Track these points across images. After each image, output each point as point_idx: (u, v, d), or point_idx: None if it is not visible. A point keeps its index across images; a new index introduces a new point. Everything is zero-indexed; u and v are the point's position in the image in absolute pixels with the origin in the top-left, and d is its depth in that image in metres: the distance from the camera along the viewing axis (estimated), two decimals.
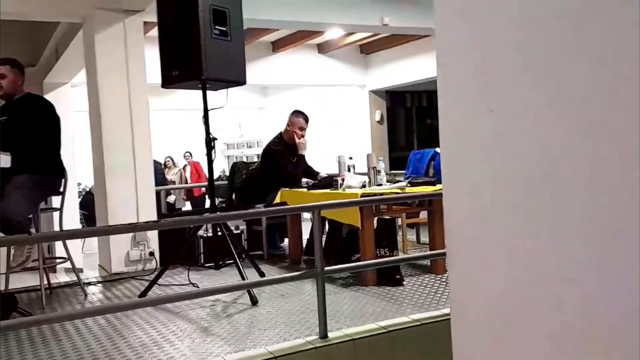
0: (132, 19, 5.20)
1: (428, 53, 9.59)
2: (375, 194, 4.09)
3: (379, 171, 4.36)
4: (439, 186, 4.27)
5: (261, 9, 5.48)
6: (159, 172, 12.08)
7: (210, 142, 4.04)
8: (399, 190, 4.12)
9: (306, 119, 5.34)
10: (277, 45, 9.97)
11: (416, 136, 12.57)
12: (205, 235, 5.17)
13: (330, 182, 4.59)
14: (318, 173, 5.53)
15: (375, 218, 4.09)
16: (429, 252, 3.99)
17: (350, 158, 4.76)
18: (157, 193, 6.70)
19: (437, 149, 5.33)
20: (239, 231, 5.34)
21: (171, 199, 11.87)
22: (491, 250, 0.99)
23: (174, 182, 12.45)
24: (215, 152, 4.08)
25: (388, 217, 4.15)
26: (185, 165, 13.34)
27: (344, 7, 5.77)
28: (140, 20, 5.25)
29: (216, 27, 3.88)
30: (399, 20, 6.02)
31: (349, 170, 4.62)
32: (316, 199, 4.42)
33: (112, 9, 5.07)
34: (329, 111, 12.23)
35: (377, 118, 11.01)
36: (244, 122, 15.95)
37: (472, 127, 1.03)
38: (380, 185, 4.28)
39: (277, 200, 5.11)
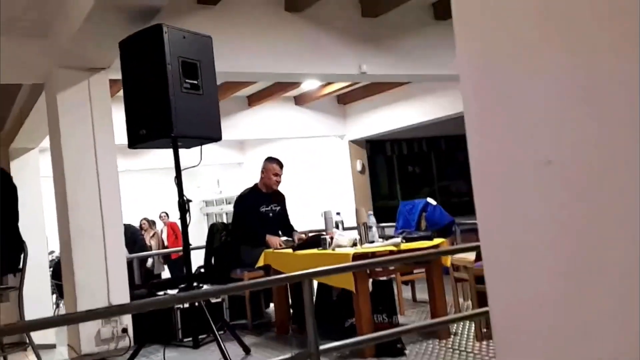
0: (96, 77, 4.88)
1: (406, 101, 9.45)
2: (369, 254, 3.72)
3: (370, 227, 4.01)
4: (436, 240, 3.93)
5: (236, 61, 5.21)
6: (139, 236, 11.60)
7: (184, 205, 3.66)
8: (393, 248, 3.76)
9: (280, 165, 5.11)
10: (253, 99, 9.73)
11: (399, 185, 12.31)
12: (182, 307, 4.73)
13: (317, 240, 4.22)
14: (295, 231, 5.19)
15: (370, 280, 3.71)
16: (433, 321, 3.59)
17: (338, 213, 4.41)
18: (130, 261, 6.25)
19: (429, 199, 5.02)
20: (219, 299, 4.91)
21: (149, 264, 11.33)
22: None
23: (151, 246, 11.95)
24: (190, 214, 3.71)
25: (384, 279, 3.77)
26: (161, 227, 12.85)
27: (321, 56, 5.54)
28: (105, 78, 4.93)
29: (186, 80, 3.58)
30: (377, 68, 5.80)
31: (337, 227, 4.26)
32: (304, 262, 4.03)
33: (74, 67, 4.75)
34: (309, 163, 11.96)
35: (359, 168, 10.74)
36: (222, 179, 15.59)
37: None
38: (373, 242, 3.92)
39: (260, 263, 4.71)
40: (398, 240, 3.77)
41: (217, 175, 15.08)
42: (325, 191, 11.27)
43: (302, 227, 7.33)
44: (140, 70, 3.67)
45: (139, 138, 3.62)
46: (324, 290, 4.54)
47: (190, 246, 7.64)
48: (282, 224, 5.14)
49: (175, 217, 12.31)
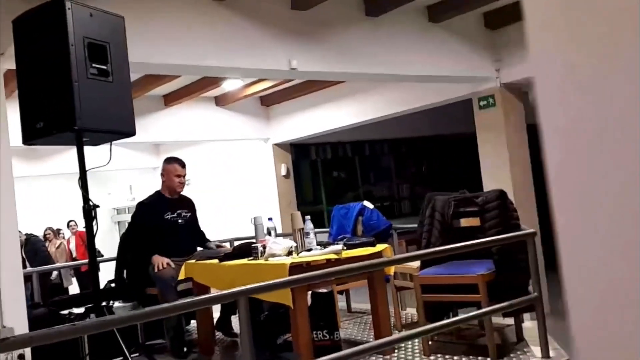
0: None
1: (332, 103, 9.16)
2: (305, 264, 3.31)
3: (307, 233, 3.61)
4: (379, 246, 3.58)
5: (154, 52, 4.67)
6: (41, 247, 10.60)
7: (89, 212, 3.12)
8: (334, 256, 3.38)
9: (181, 164, 4.61)
10: (170, 99, 9.11)
11: (324, 190, 12.02)
12: None
13: (246, 250, 3.77)
14: (208, 240, 4.74)
15: (309, 292, 3.31)
16: (387, 339, 3.20)
17: (270, 219, 3.99)
18: (29, 276, 5.54)
19: (365, 203, 4.69)
20: None
21: (54, 276, 10.37)
22: None
23: (56, 258, 10.98)
24: (97, 222, 3.16)
25: (324, 291, 3.38)
26: (69, 236, 11.84)
27: (248, 49, 5.09)
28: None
29: (93, 65, 3.05)
30: (308, 64, 5.43)
31: (269, 233, 3.83)
32: (233, 274, 3.59)
33: None
34: (231, 167, 11.43)
35: (283, 172, 10.34)
36: (135, 184, 14.70)
37: None
38: (310, 250, 3.52)
39: (181, 276, 4.20)
40: (339, 247, 3.39)
41: (130, 181, 14.19)
42: (248, 196, 10.78)
43: (224, 234, 6.84)
44: (38, 53, 3.10)
45: (35, 132, 3.04)
46: (253, 304, 4.08)
47: (100, 257, 6.97)
48: (194, 232, 4.65)
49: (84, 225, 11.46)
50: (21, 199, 12.57)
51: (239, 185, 11.13)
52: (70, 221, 12.10)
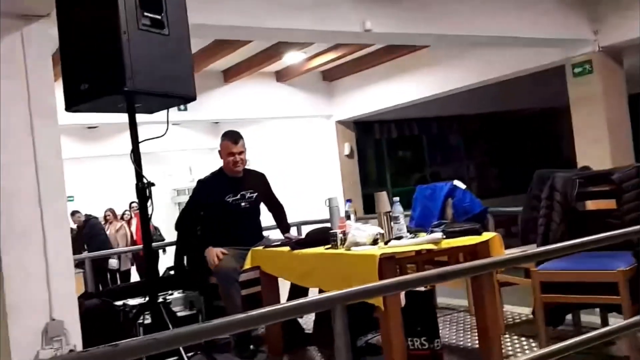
0: (33, 28, 3.76)
1: (397, 77, 8.48)
2: (397, 255, 2.73)
3: (395, 218, 3.01)
4: (485, 235, 2.95)
5: (214, 12, 4.15)
6: (99, 230, 10.42)
7: (144, 190, 2.62)
8: (432, 246, 2.78)
9: (233, 140, 3.98)
10: (229, 75, 8.65)
11: (388, 171, 11.37)
12: (143, 322, 3.68)
13: (322, 237, 3.21)
14: (288, 229, 4.23)
15: (403, 292, 2.73)
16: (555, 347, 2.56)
17: (349, 201, 3.41)
18: (80, 263, 5.18)
19: (456, 182, 4.04)
20: (194, 311, 3.89)
21: (113, 263, 10.15)
22: None
23: (118, 242, 10.77)
24: (152, 202, 2.67)
25: (421, 289, 2.79)
26: (131, 218, 11.60)
27: (314, 8, 4.51)
28: (45, 28, 3.82)
29: (145, 14, 2.53)
30: (384, 25, 4.79)
31: (348, 218, 3.26)
32: (308, 265, 3.04)
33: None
34: (292, 147, 10.93)
35: (347, 152, 9.76)
36: (195, 165, 14.43)
37: None
38: (401, 238, 2.92)
39: (247, 264, 3.70)
40: (438, 235, 2.78)
41: (190, 162, 13.93)
42: (310, 177, 10.26)
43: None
44: (81, 3, 2.60)
45: (79, 96, 2.56)
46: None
47: (159, 242, 6.57)
48: (258, 215, 4.12)
49: None
50: (82, 180, 12.53)
51: (300, 166, 10.63)
52: (132, 202, 11.90)
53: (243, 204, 4.00)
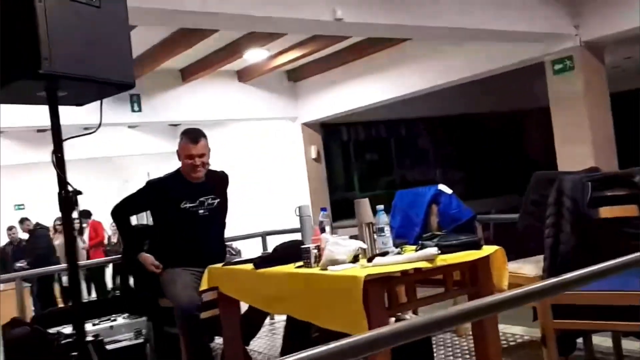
0: None
1: (365, 76, 8.06)
2: (386, 276, 2.26)
3: (380, 229, 2.54)
4: (486, 249, 2.50)
5: None
6: (42, 242, 9.69)
7: (69, 199, 2.08)
8: (427, 265, 2.31)
9: (193, 139, 3.41)
10: (188, 73, 8.09)
11: (356, 175, 10.94)
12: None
13: (293, 250, 2.72)
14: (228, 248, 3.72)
15: (393, 319, 2.26)
16: None
17: (324, 209, 2.92)
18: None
19: (441, 187, 3.60)
20: (140, 339, 3.34)
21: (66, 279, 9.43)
22: None
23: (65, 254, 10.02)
24: (77, 211, 2.13)
25: (410, 317, 2.33)
26: (81, 228, 10.85)
27: None
28: None
29: None
30: (356, 14, 4.34)
31: (323, 230, 2.77)
32: (277, 288, 2.56)
33: None
34: (257, 151, 10.39)
35: (313, 155, 9.28)
36: (153, 171, 13.74)
37: None
38: (386, 254, 2.45)
39: (204, 285, 3.18)
40: (433, 250, 2.32)
41: (148, 167, 13.23)
42: (276, 183, 9.76)
43: (250, 227, 5.78)
44: None
45: None
46: (298, 328, 3.06)
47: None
48: (218, 226, 3.57)
49: (100, 214, 10.51)
50: (33, 187, 11.70)
51: (265, 170, 10.11)
52: (83, 211, 11.16)
53: (201, 211, 3.44)
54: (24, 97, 2.17)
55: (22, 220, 10.29)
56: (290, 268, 2.62)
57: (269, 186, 9.88)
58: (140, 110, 8.03)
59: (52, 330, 3.38)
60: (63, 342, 3.21)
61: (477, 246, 2.46)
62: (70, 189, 2.11)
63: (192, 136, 3.44)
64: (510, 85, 9.21)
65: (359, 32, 5.61)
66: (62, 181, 2.10)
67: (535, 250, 2.92)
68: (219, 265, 3.13)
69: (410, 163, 11.96)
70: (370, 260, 2.43)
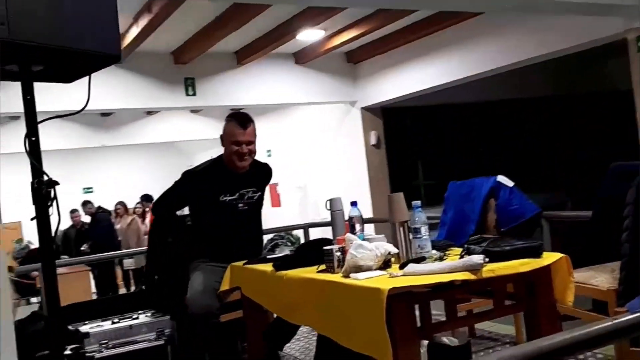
0: None
1: (431, 55, 7.48)
2: (413, 290, 1.84)
3: (416, 230, 2.12)
4: (547, 256, 2.03)
5: None
6: (102, 226, 9.78)
7: (41, 190, 1.79)
8: (469, 276, 1.88)
9: (242, 123, 3.07)
10: (243, 56, 7.81)
11: (421, 163, 10.40)
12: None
13: (316, 252, 2.34)
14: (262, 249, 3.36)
15: (425, 342, 1.85)
16: None
17: (354, 204, 2.52)
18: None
19: (500, 178, 3.11)
20: (161, 341, 3.07)
21: (129, 263, 9.47)
22: None
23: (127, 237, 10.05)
24: (57, 205, 1.83)
25: (450, 341, 1.90)
26: (144, 212, 10.89)
27: None
28: None
29: None
30: None
31: (353, 228, 2.38)
32: (295, 295, 2.20)
33: None
34: (313, 136, 10.06)
35: (373, 141, 8.83)
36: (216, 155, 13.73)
37: None
38: (423, 260, 2.04)
39: (225, 285, 2.86)
40: (478, 259, 1.89)
41: (211, 152, 13.19)
42: (333, 170, 9.38)
43: (304, 218, 5.47)
44: None
45: None
46: (326, 344, 2.68)
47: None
48: (256, 221, 3.25)
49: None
50: (100, 170, 11.93)
51: (322, 157, 9.76)
52: (145, 195, 11.22)
53: (241, 205, 3.12)
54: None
55: (85, 203, 10.43)
56: (310, 272, 2.25)
57: (327, 174, 9.53)
58: (194, 94, 7.85)
59: (72, 327, 3.17)
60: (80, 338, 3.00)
61: (535, 253, 1.99)
62: (45, 179, 1.81)
63: (241, 120, 3.10)
64: (575, 67, 8.43)
65: (428, 5, 5.10)
66: (37, 170, 1.81)
67: (607, 257, 2.41)
68: (240, 263, 2.79)
69: (475, 151, 11.25)
70: (402, 267, 2.02)
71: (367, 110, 8.86)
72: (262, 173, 3.30)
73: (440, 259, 2.10)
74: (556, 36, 5.84)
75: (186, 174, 3.22)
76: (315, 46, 7.76)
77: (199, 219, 3.21)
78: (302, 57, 8.21)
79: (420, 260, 2.05)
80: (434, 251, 2.16)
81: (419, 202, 2.17)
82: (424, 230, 2.14)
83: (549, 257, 2.01)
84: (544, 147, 10.78)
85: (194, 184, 3.16)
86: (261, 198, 3.24)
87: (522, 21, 6.05)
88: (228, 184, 3.10)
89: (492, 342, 3.14)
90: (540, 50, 6.12)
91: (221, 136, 3.15)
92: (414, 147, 10.34)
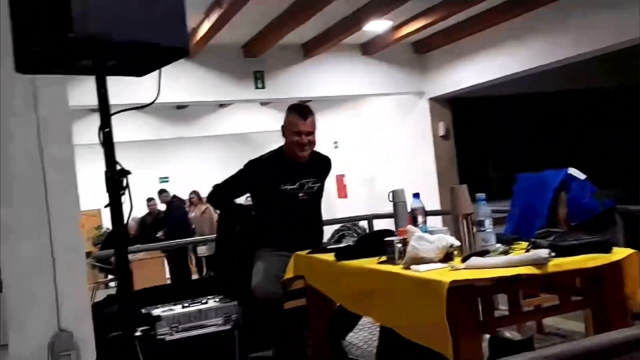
0: None
1: (504, 44, 7.26)
2: (475, 283, 1.82)
3: (480, 222, 2.09)
4: (617, 251, 1.96)
5: None
6: (180, 211, 10.11)
7: (115, 179, 1.89)
8: (534, 271, 1.83)
9: (302, 115, 3.15)
10: (310, 48, 7.88)
11: (490, 155, 10.16)
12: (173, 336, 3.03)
13: (378, 242, 2.35)
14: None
15: (487, 337, 1.83)
16: None
17: (416, 195, 2.50)
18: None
19: (571, 170, 3.01)
20: (228, 326, 3.17)
21: (203, 250, 9.77)
22: None
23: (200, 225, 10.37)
24: (130, 195, 1.93)
25: (513, 336, 1.87)
26: None
27: None
28: None
29: None
30: None
31: (415, 220, 2.37)
32: (357, 284, 2.22)
33: None
34: (379, 128, 10.02)
35: (441, 132, 8.70)
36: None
37: None
38: (486, 253, 2.01)
39: (290, 273, 2.92)
40: (544, 253, 1.84)
41: (273, 147, 13.37)
42: (399, 162, 9.31)
43: (369, 209, 5.47)
44: None
45: (29, 52, 1.86)
46: (391, 336, 2.68)
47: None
48: (316, 211, 3.30)
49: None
50: (175, 161, 12.44)
51: (389, 150, 9.70)
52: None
53: (301, 194, 3.19)
54: (71, 67, 1.98)
55: (161, 192, 10.84)
56: (371, 263, 2.26)
57: (392, 166, 9.47)
58: (264, 87, 7.99)
59: (144, 310, 3.32)
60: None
61: (604, 248, 1.92)
62: (118, 168, 1.91)
63: (301, 111, 3.20)
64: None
65: None
66: (110, 160, 1.91)
67: None
68: (304, 252, 2.84)
69: (545, 143, 10.86)
70: (464, 260, 1.99)
71: (435, 101, 8.74)
72: (323, 165, 3.36)
73: (505, 252, 2.06)
74: (632, 26, 5.53)
75: (250, 163, 3.32)
76: (382, 37, 7.72)
77: (261, 208, 3.30)
78: (369, 49, 8.19)
79: (483, 253, 2.02)
80: (498, 245, 2.12)
81: (483, 195, 2.13)
82: (487, 223, 2.10)
83: (619, 253, 1.93)
84: (617, 139, 10.27)
85: (257, 172, 3.26)
86: (321, 189, 3.30)
87: (595, 10, 5.79)
88: (289, 174, 3.18)
89: (559, 339, 3.04)
90: (615, 39, 5.83)
91: (282, 127, 3.23)
92: (483, 139, 10.12)
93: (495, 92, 8.85)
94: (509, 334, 2.07)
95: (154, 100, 2.04)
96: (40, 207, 3.07)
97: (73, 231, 3.18)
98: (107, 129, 1.91)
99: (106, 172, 1.90)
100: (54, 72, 2.06)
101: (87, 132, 7.01)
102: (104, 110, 1.91)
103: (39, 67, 1.97)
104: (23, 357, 3.06)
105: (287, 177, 3.17)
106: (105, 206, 1.89)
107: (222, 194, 3.42)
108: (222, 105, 11.45)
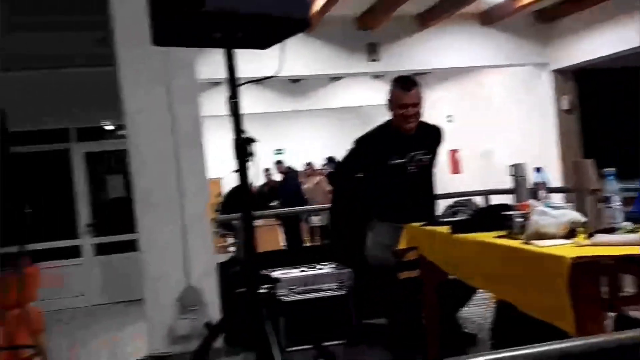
0: None
1: (630, 13, 6.68)
2: (602, 259, 1.75)
3: (607, 198, 1.99)
4: None
5: None
6: (294, 182, 10.40)
7: (243, 147, 2.00)
8: None
9: (406, 87, 3.10)
10: (426, 19, 7.71)
11: (620, 132, 9.45)
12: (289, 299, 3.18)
13: (495, 216, 2.30)
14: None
15: (613, 315, 1.76)
16: None
17: (538, 169, 2.42)
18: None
19: None
20: (343, 291, 3.27)
21: (316, 220, 10.03)
22: None
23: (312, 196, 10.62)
24: (253, 160, 2.03)
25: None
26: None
27: None
28: None
29: None
30: None
31: (535, 195, 2.29)
32: (472, 258, 2.21)
33: None
34: (496, 102, 9.66)
35: (565, 106, 8.23)
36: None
37: None
38: (612, 230, 1.91)
39: (403, 244, 2.94)
40: None
41: (379, 120, 13.30)
42: (518, 137, 8.94)
43: (484, 185, 5.33)
44: None
45: (164, 25, 2.00)
46: (508, 310, 2.64)
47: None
48: (428, 184, 3.27)
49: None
50: (290, 133, 12.74)
51: (507, 124, 9.33)
52: (329, 157, 11.76)
53: (410, 167, 3.18)
54: (202, 39, 2.10)
55: (277, 163, 11.22)
56: (488, 237, 2.22)
57: (509, 140, 9.11)
58: (377, 59, 7.95)
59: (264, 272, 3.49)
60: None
61: None
62: (244, 136, 2.02)
63: (405, 83, 3.16)
64: None
65: None
66: (238, 128, 2.02)
67: None
68: (417, 224, 2.85)
69: None
70: (590, 236, 1.91)
71: (559, 72, 8.26)
72: (432, 135, 3.30)
73: (634, 231, 1.95)
74: None
75: (358, 141, 3.34)
76: (502, 6, 7.40)
77: (372, 181, 3.32)
78: (489, 18, 7.88)
79: (610, 231, 1.92)
80: (626, 222, 2.01)
81: (611, 170, 2.02)
82: (615, 199, 1.99)
83: None
84: None
85: (366, 148, 3.27)
86: (432, 160, 3.25)
87: None
88: (397, 147, 3.16)
89: None
90: None
91: (388, 100, 3.21)
92: (611, 113, 9.43)
93: (624, 63, 8.21)
94: (636, 313, 1.97)
95: (278, 72, 2.12)
96: (172, 180, 3.32)
97: (201, 200, 3.42)
98: (234, 100, 2.02)
99: (235, 140, 2.02)
100: (186, 45, 2.20)
101: (208, 104, 7.38)
102: (232, 81, 2.02)
103: (174, 40, 2.11)
104: (157, 309, 3.36)
105: (396, 151, 3.17)
106: (234, 171, 2.00)
107: (339, 174, 3.50)
108: (334, 78, 11.54)
